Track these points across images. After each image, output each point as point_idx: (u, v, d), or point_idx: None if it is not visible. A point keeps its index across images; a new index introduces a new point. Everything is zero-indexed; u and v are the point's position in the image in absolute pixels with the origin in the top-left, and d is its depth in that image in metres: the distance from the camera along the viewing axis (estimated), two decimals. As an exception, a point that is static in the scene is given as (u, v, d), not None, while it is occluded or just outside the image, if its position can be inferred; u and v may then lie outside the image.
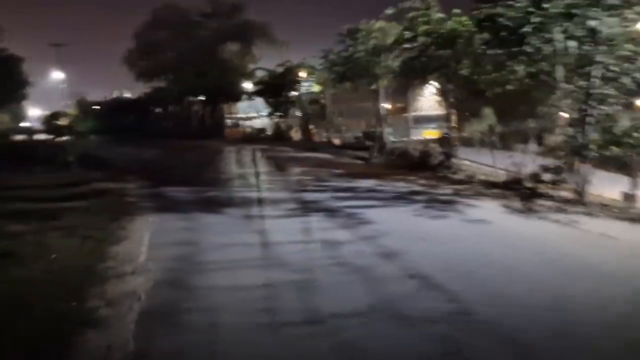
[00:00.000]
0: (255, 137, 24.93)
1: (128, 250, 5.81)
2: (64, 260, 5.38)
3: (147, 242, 6.19)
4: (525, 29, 8.04)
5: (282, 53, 25.66)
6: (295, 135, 23.22)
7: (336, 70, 14.16)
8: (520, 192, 8.90)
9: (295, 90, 21.01)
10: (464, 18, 11.57)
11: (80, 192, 10.85)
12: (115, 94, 51.48)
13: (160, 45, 32.43)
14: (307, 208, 8.04)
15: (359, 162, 14.03)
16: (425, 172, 11.74)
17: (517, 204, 8.12)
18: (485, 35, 9.57)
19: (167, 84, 33.30)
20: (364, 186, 10.15)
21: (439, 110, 16.89)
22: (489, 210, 7.70)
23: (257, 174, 12.49)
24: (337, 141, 18.53)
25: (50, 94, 68.70)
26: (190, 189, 10.78)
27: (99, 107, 46.69)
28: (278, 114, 22.23)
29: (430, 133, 17.59)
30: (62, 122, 60.86)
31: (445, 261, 5.07)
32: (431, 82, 15.16)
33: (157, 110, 37.83)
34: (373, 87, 14.97)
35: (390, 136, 19.55)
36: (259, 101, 29.95)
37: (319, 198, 8.86)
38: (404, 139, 19.20)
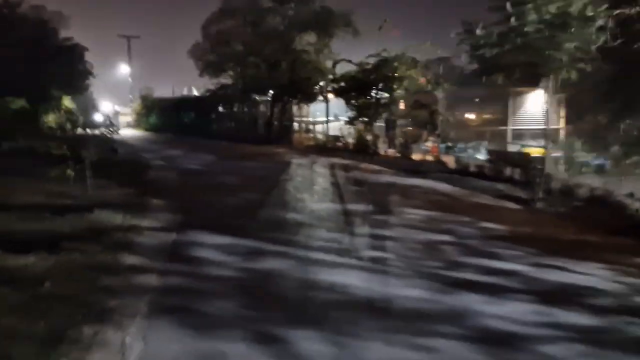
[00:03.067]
0: (331, 147, 20.17)
1: None
2: None
3: None
4: None
5: (371, 44, 20.95)
6: (381, 147, 18.18)
7: (483, 54, 8.95)
8: None
9: (391, 89, 16.01)
10: None
11: (55, 230, 6.59)
12: (185, 91, 49.18)
13: (227, 36, 28.73)
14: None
15: (511, 205, 8.66)
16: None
17: None
18: None
19: (233, 80, 29.52)
20: (591, 286, 4.74)
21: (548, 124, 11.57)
22: None
23: (347, 217, 7.67)
24: (448, 161, 13.30)
25: (117, 88, 68.64)
26: (238, 242, 6.22)
27: (162, 104, 44.43)
28: (363, 119, 17.26)
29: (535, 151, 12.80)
30: (125, 117, 60.06)
31: None
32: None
33: (221, 109, 34.28)
34: (542, 85, 9.63)
35: (478, 154, 14.29)
36: (335, 103, 25.35)
37: (506, 322, 3.85)
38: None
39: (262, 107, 30.11)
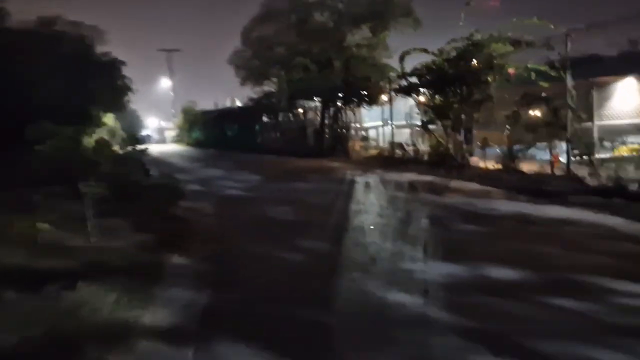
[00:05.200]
0: (398, 159, 16.69)
1: None
2: None
3: None
4: None
5: (433, 38, 17.39)
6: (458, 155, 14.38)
7: None
8: None
9: (484, 82, 12.27)
10: None
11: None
12: (228, 103, 47.22)
13: (270, 41, 25.98)
14: None
15: None
16: None
17: None
18: None
19: (277, 86, 26.68)
20: None
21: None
22: None
23: (504, 306, 4.27)
24: (584, 175, 9.44)
25: (162, 103, 68.00)
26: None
27: (204, 117, 42.52)
28: (445, 122, 13.57)
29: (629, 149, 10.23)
30: (171, 132, 58.90)
31: None
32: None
33: (265, 119, 31.52)
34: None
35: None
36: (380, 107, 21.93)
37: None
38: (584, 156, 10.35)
39: (310, 115, 27.04)
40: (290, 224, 7.80)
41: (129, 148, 14.20)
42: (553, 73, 11.18)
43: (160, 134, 62.44)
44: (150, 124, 69.17)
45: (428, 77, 13.72)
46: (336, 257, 5.73)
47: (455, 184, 10.98)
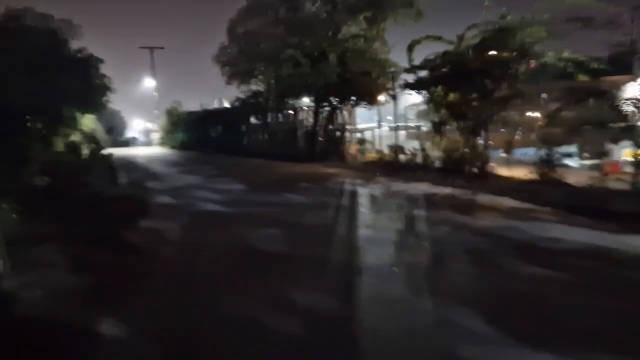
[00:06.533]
0: (402, 165, 14.64)
1: None
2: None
3: None
4: None
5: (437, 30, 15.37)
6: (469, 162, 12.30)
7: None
8: None
9: (513, 76, 10.17)
10: None
11: None
12: (215, 104, 44.90)
13: (257, 35, 23.82)
14: None
15: None
16: None
17: None
18: None
19: (265, 84, 24.51)
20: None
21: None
22: None
23: None
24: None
25: (145, 103, 65.34)
26: None
27: (188, 118, 40.17)
28: (463, 123, 11.45)
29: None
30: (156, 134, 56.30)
31: None
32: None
33: (253, 120, 29.32)
34: None
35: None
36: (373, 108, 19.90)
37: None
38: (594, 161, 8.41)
39: (301, 115, 24.90)
40: (278, 261, 5.65)
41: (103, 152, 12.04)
42: (596, 65, 9.20)
43: (147, 136, 59.81)
44: (136, 125, 66.38)
45: (444, 70, 11.62)
46: (349, 328, 3.63)
47: (482, 198, 8.92)
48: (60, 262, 6.11)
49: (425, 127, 18.90)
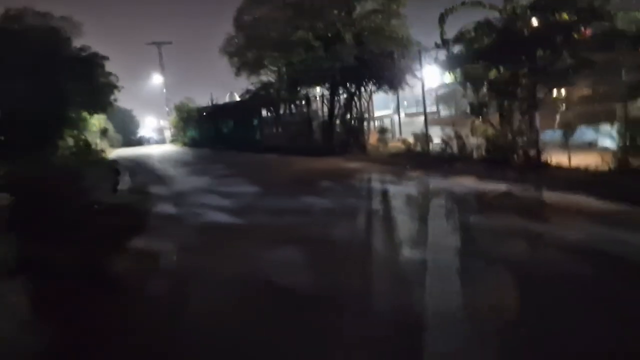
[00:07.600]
0: (436, 157, 12.93)
1: None
2: None
3: None
4: None
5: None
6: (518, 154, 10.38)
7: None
8: None
9: (577, 41, 8.35)
10: None
11: None
12: (227, 98, 43.54)
13: (264, 21, 22.18)
14: None
15: None
16: None
17: None
18: None
19: (276, 74, 22.89)
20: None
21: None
22: None
23: None
24: None
25: (158, 100, 64.20)
26: None
27: (199, 114, 38.89)
28: (509, 103, 9.62)
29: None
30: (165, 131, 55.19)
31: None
32: None
33: (265, 113, 27.80)
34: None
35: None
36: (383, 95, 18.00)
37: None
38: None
39: (315, 105, 23.23)
40: (302, 306, 4.05)
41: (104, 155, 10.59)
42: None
43: (160, 134, 58.75)
44: (149, 123, 65.32)
45: (486, 41, 9.81)
46: None
47: (550, 196, 7.21)
48: (9, 312, 4.63)
49: (447, 112, 17.10)
